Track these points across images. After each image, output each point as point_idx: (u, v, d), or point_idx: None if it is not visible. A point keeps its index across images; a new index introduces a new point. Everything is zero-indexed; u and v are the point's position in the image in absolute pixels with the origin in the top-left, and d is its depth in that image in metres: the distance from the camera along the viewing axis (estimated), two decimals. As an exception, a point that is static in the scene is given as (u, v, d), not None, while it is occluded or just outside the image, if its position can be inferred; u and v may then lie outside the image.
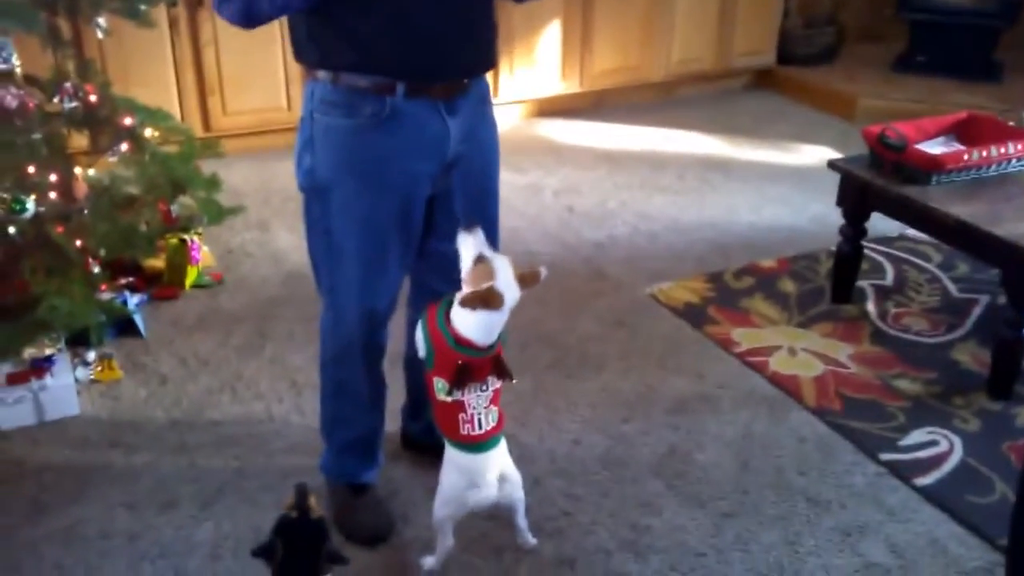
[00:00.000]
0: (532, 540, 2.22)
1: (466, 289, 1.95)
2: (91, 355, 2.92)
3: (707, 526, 2.33)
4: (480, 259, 1.95)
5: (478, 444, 2.02)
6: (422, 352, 2.04)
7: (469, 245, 1.97)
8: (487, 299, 1.92)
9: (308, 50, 1.97)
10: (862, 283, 3.40)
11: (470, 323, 1.95)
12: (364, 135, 1.96)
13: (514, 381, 2.06)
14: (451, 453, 2.07)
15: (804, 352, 3.04)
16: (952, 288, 3.43)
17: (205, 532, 2.31)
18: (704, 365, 2.98)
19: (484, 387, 2.00)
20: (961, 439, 2.63)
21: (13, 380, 2.70)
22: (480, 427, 2.01)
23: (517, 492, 2.13)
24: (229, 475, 2.49)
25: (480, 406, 2.00)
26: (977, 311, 3.27)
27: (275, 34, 4.26)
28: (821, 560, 2.23)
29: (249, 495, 2.42)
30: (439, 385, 1.99)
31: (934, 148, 3.06)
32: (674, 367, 2.97)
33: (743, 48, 5.51)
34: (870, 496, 2.43)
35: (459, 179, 2.09)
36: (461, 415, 2.00)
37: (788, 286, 3.44)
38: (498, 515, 2.23)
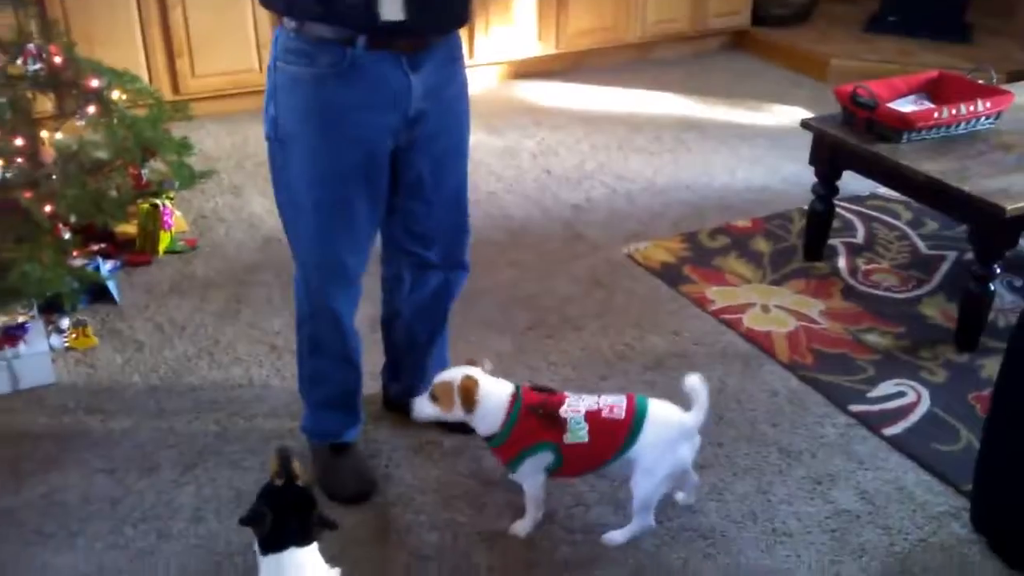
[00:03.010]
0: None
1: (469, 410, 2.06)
2: (65, 322, 2.90)
3: (683, 478, 2.37)
4: (432, 396, 2.09)
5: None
6: (549, 461, 2.09)
7: (419, 406, 2.12)
8: (469, 394, 2.05)
9: None
10: (833, 241, 3.44)
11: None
12: (325, 85, 1.94)
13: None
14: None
15: (777, 309, 3.07)
16: (921, 245, 3.48)
17: (187, 495, 2.32)
18: (680, 323, 3.01)
19: (571, 409, 2.07)
20: (928, 390, 2.68)
21: (-14, 348, 2.69)
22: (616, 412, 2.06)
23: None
24: (210, 439, 2.50)
25: (584, 406, 2.07)
26: (945, 267, 3.32)
27: (245, -7, 4.22)
28: (793, 508, 2.28)
29: (230, 459, 2.43)
30: (571, 436, 2.04)
31: (905, 107, 3.09)
32: (651, 325, 3.00)
33: (718, 9, 5.51)
34: (840, 446, 2.48)
35: (422, 136, 2.08)
36: (603, 411, 2.06)
37: (762, 245, 3.47)
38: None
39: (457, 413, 2.06)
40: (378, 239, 2.28)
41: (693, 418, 2.04)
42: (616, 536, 2.15)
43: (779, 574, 2.09)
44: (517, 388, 2.10)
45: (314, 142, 2.00)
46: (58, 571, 2.11)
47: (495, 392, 2.07)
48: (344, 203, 2.07)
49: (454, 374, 2.07)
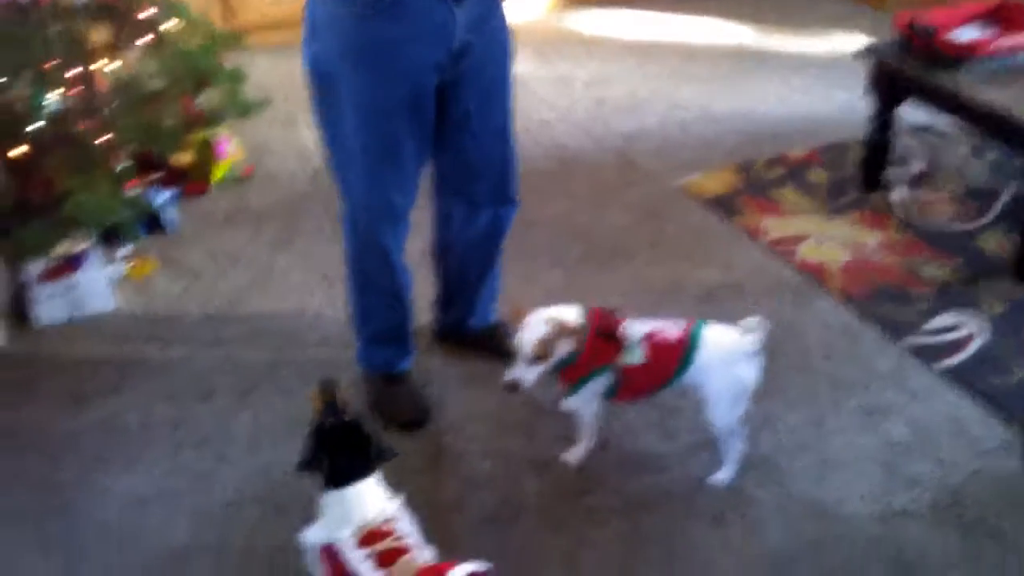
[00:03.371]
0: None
1: (563, 351, 2.00)
2: (123, 251, 2.96)
3: (734, 409, 2.37)
4: (537, 358, 1.98)
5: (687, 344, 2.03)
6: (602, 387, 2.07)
7: (528, 376, 1.99)
8: (567, 332, 2.00)
9: None
10: (890, 171, 3.37)
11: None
12: (367, 22, 1.91)
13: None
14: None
15: (832, 240, 3.03)
16: (980, 176, 3.39)
17: (243, 422, 2.37)
18: (733, 255, 2.99)
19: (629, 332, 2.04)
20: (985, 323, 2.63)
21: (46, 277, 2.75)
22: (675, 331, 2.04)
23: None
24: (265, 367, 2.55)
25: (642, 329, 2.04)
26: (1004, 199, 3.23)
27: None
28: (845, 439, 2.27)
29: (285, 386, 2.48)
30: (627, 358, 2.02)
31: (965, 35, 3.00)
32: (703, 257, 2.97)
33: (774, -66, 5.35)
34: (893, 379, 2.46)
35: (468, 70, 2.05)
36: (658, 334, 2.04)
37: (818, 176, 3.42)
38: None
39: (561, 353, 2.00)
40: (427, 176, 2.27)
41: (752, 337, 2.01)
42: (721, 476, 2.14)
43: (830, 504, 2.10)
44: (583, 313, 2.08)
45: (358, 78, 1.97)
46: (118, 494, 2.18)
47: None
48: (391, 141, 2.06)
49: (536, 329, 1.98)
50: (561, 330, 1.98)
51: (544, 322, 1.98)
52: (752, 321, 2.03)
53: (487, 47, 2.07)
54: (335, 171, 2.17)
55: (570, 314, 2.03)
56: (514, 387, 2.00)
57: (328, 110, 2.06)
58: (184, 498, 2.16)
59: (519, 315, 2.02)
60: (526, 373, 1.99)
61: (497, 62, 2.13)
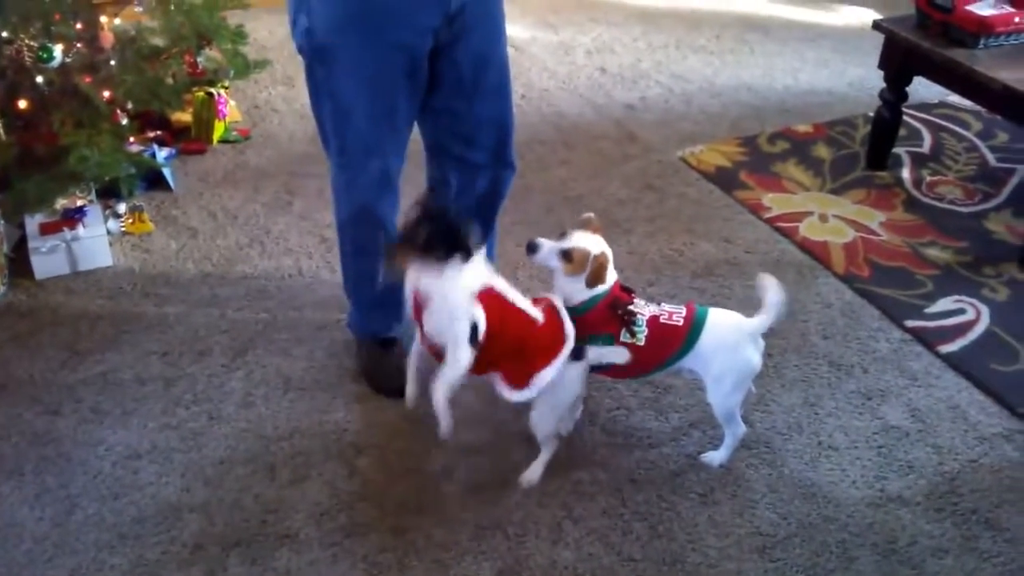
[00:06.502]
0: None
1: (576, 277, 1.99)
2: (122, 207, 2.95)
3: (728, 387, 2.35)
4: (567, 253, 1.98)
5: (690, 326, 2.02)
6: (613, 357, 2.04)
7: (545, 253, 1.99)
8: (602, 271, 2.00)
9: None
10: (898, 150, 3.34)
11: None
12: None
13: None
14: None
15: (835, 218, 3.00)
16: (990, 157, 3.36)
17: (237, 380, 2.36)
18: (733, 230, 2.96)
19: (637, 311, 2.02)
20: (989, 308, 2.61)
21: (46, 230, 2.74)
22: (675, 319, 2.02)
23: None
24: (260, 327, 2.54)
25: (648, 311, 2.03)
26: (1014, 181, 3.21)
27: None
28: (840, 422, 2.26)
29: (280, 346, 2.47)
30: (629, 336, 2.00)
31: (984, 9, 2.94)
32: (702, 231, 2.95)
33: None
34: (893, 362, 2.44)
35: (462, 31, 2.02)
36: (662, 317, 2.02)
37: (823, 151, 3.38)
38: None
39: (575, 278, 2.00)
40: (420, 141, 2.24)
41: (756, 322, 1.99)
42: (715, 456, 2.14)
43: (822, 487, 2.09)
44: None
45: (357, 51, 1.95)
46: (112, 447, 2.18)
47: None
48: (390, 107, 2.04)
49: (590, 244, 2.00)
50: (602, 263, 1.99)
51: (600, 249, 2.00)
52: (769, 282, 1.99)
53: (481, 7, 2.04)
54: (332, 143, 2.14)
55: (611, 270, 2.04)
56: (533, 248, 2.00)
57: (326, 84, 2.04)
58: (176, 455, 2.16)
59: (590, 223, 2.05)
60: (548, 251, 2.00)
61: (490, 23, 2.10)
